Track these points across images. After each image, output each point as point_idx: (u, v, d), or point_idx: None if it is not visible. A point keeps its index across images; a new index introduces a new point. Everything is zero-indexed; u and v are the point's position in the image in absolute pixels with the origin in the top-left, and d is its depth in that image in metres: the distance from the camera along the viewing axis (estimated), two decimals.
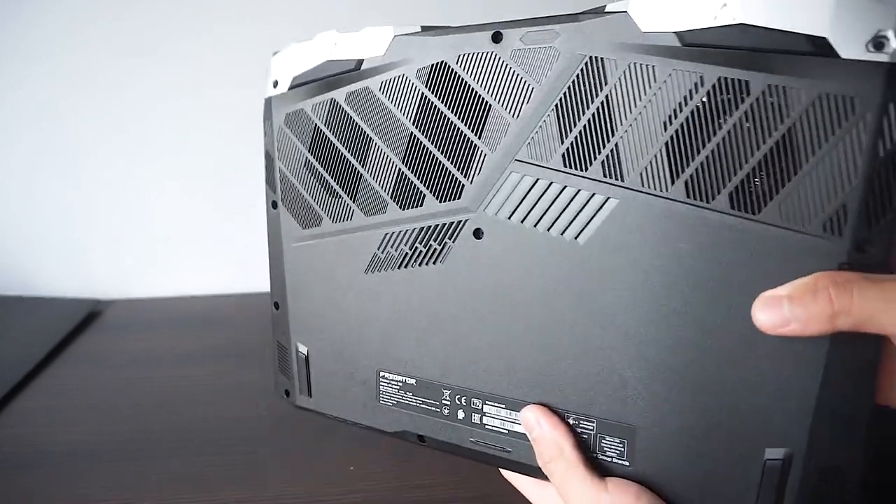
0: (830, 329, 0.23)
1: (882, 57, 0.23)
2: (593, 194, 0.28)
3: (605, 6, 0.28)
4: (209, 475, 0.44)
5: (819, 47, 0.24)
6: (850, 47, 0.23)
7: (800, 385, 0.25)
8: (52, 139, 0.75)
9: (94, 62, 0.73)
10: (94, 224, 0.78)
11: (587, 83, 0.28)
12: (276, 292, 0.40)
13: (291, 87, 0.38)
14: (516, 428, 0.32)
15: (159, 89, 0.74)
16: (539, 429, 0.30)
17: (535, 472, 0.32)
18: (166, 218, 0.79)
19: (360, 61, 0.35)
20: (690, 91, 0.26)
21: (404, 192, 0.34)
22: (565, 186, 0.29)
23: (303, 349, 0.39)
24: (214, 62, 0.74)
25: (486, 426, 0.33)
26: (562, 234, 0.29)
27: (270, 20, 0.73)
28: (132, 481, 0.44)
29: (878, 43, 0.23)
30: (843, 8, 0.23)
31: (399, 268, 0.34)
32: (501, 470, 0.34)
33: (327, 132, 0.36)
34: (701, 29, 0.25)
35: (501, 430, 0.32)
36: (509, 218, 0.31)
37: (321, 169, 0.37)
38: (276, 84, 0.39)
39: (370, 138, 0.34)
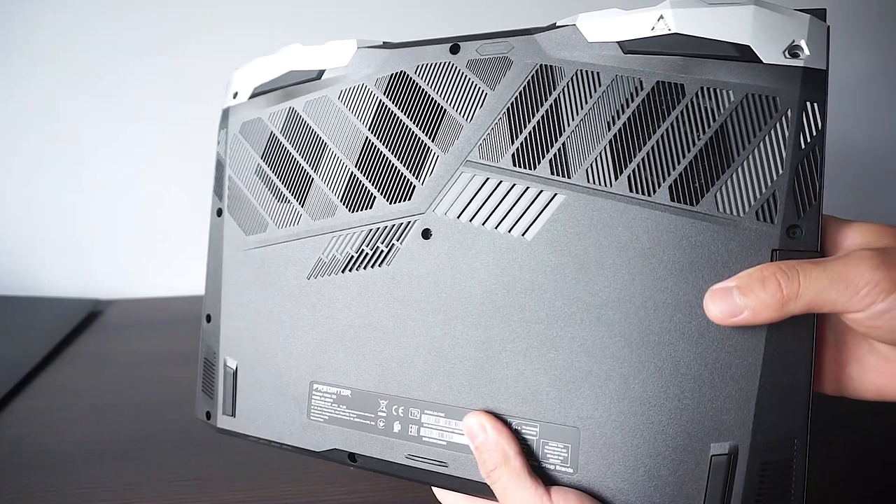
0: (781, 315, 0.24)
1: (798, 62, 0.26)
2: (541, 191, 0.30)
3: (555, 22, 0.30)
4: (209, 475, 0.44)
5: (744, 53, 0.27)
6: (771, 54, 0.26)
7: (741, 375, 0.26)
8: (53, 140, 0.75)
9: (96, 64, 0.73)
10: (94, 224, 0.78)
11: (538, 88, 0.30)
12: (210, 304, 0.40)
13: (251, 97, 0.39)
14: (455, 439, 0.31)
15: (160, 91, 0.74)
16: (483, 435, 0.29)
17: (472, 486, 0.31)
18: (166, 218, 0.79)
19: (322, 71, 0.36)
20: (631, 94, 0.28)
21: (355, 195, 0.34)
22: (514, 184, 0.30)
23: (231, 364, 0.38)
24: (215, 65, 0.74)
25: (424, 438, 0.32)
26: (509, 232, 0.30)
27: (272, 24, 0.73)
28: (132, 481, 0.44)
29: (794, 51, 0.26)
30: (762, 20, 0.27)
31: (343, 272, 0.34)
32: (434, 489, 0.33)
33: (283, 139, 0.37)
34: (640, 38, 0.28)
35: (440, 442, 0.31)
36: (458, 217, 0.32)
37: (272, 175, 0.37)
38: (235, 95, 0.40)
39: (325, 144, 0.36)
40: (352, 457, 0.34)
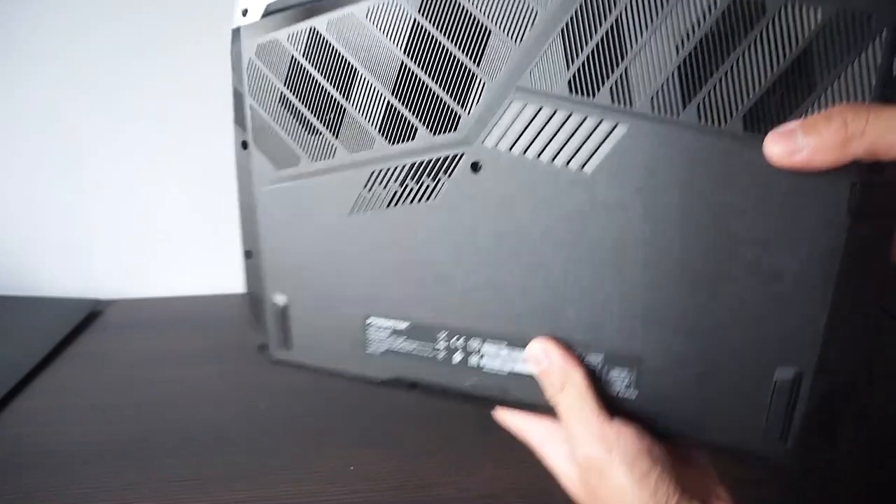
0: (842, 157, 0.23)
1: None
2: (601, 121, 0.28)
3: None
4: (209, 475, 0.44)
5: None
6: None
7: (812, 304, 0.26)
8: (53, 140, 0.75)
9: (96, 64, 0.73)
10: (94, 224, 0.78)
11: (596, 6, 0.27)
12: (248, 240, 0.38)
13: (264, 16, 0.34)
14: (517, 368, 0.31)
15: (160, 91, 0.74)
16: (547, 360, 0.30)
17: (535, 408, 0.31)
18: (166, 218, 0.79)
19: None
20: (705, 12, 0.25)
21: (394, 126, 0.32)
22: (571, 113, 0.28)
23: (280, 300, 0.37)
24: (215, 65, 0.74)
25: (485, 369, 0.32)
26: (567, 165, 0.29)
27: None
28: (132, 481, 0.44)
29: None
30: None
31: (388, 207, 0.33)
32: (497, 410, 0.33)
33: (306, 64, 0.33)
34: None
35: (501, 372, 0.32)
36: (510, 149, 0.30)
37: (299, 104, 0.34)
38: (245, 13, 0.36)
39: (355, 69, 0.32)
40: (413, 385, 0.34)
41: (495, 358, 0.32)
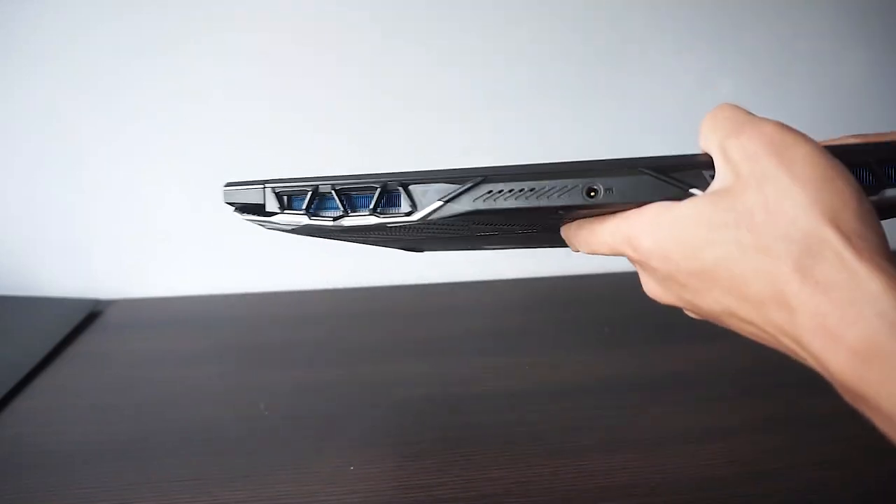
0: None
1: None
2: None
3: None
4: (209, 475, 0.44)
5: None
6: None
7: None
8: (53, 140, 0.75)
9: (96, 64, 0.73)
10: (94, 224, 0.78)
11: None
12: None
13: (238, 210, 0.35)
14: None
15: (160, 91, 0.74)
16: None
17: None
18: (166, 218, 0.79)
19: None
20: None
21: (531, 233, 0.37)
22: None
23: None
24: (215, 65, 0.74)
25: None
26: None
27: (270, 27, 0.73)
28: (132, 481, 0.44)
29: None
30: None
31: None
32: None
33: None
34: None
35: None
36: None
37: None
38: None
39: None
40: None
41: None
